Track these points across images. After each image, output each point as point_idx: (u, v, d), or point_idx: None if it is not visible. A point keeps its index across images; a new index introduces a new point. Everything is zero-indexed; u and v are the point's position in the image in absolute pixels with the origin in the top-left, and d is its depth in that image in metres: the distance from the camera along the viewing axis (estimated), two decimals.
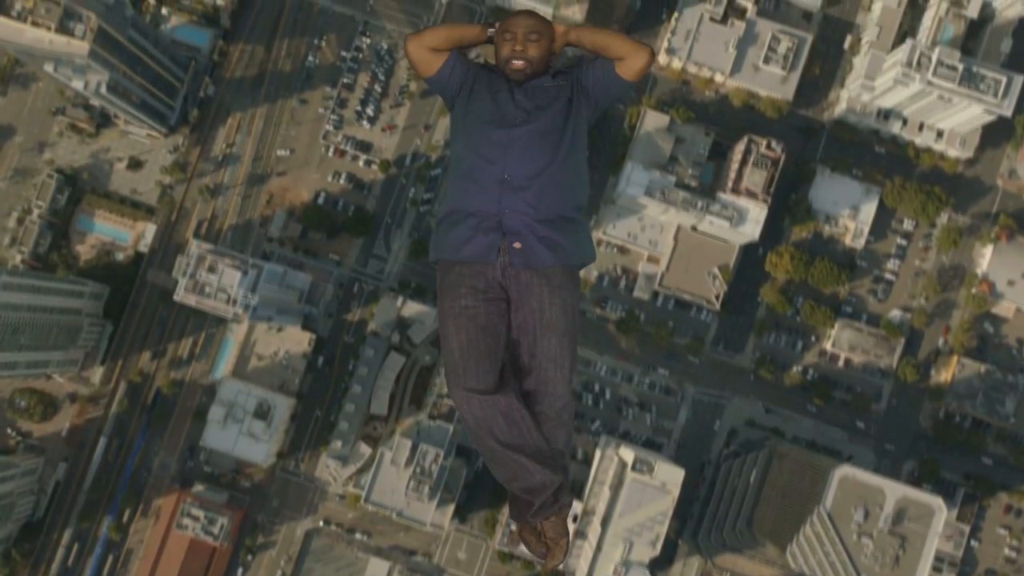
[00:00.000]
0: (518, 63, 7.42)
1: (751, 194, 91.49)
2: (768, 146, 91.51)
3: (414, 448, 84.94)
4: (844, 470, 78.30)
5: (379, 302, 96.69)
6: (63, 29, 74.95)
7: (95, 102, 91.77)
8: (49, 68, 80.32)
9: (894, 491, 76.56)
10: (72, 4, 74.84)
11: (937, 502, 76.92)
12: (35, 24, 74.85)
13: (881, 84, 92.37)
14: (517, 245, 6.99)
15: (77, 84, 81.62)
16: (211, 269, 76.21)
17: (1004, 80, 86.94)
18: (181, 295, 78.14)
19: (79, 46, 75.60)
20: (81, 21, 75.09)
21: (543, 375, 6.99)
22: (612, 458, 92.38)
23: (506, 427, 6.86)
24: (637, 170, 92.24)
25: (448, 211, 7.35)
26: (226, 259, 75.83)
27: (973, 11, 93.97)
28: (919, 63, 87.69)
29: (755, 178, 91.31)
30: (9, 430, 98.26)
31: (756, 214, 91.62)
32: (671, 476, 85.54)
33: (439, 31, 7.44)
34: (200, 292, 76.53)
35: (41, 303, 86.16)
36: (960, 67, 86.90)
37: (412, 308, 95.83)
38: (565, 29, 7.56)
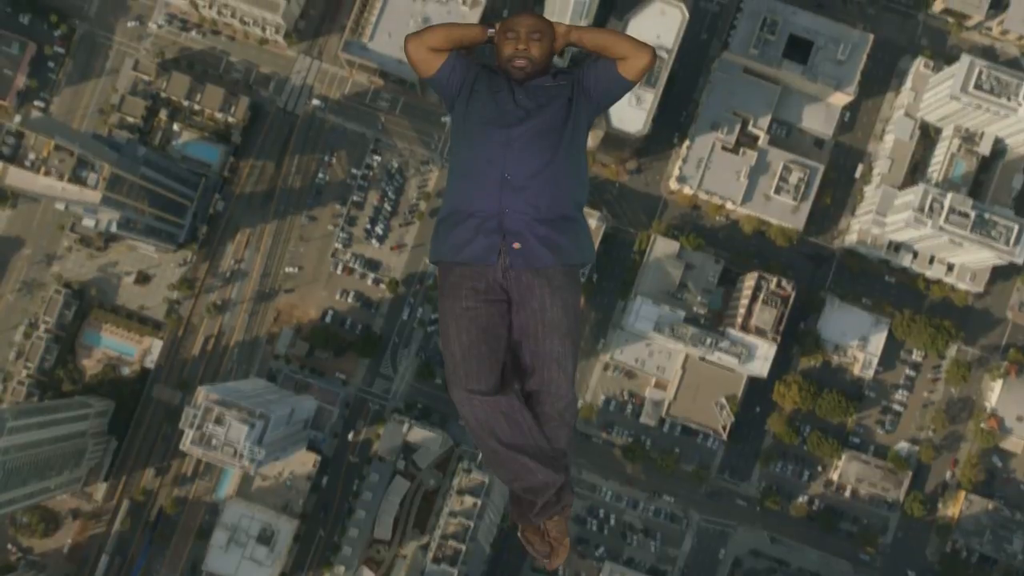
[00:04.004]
0: (520, 62, 7.37)
1: (760, 332, 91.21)
2: (778, 284, 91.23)
3: None
4: None
5: (385, 426, 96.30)
6: (76, 179, 74.72)
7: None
8: (60, 206, 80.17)
9: None
10: (85, 154, 74.62)
11: None
12: (47, 174, 74.73)
13: (892, 222, 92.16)
14: (517, 245, 6.94)
15: (88, 222, 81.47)
16: (218, 421, 75.85)
17: (1016, 228, 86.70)
18: (187, 447, 77.85)
19: (92, 195, 75.40)
20: (94, 170, 74.86)
21: (546, 375, 6.97)
22: None
23: (507, 427, 6.87)
24: (646, 304, 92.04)
25: (448, 211, 7.26)
26: (233, 411, 75.44)
27: (985, 148, 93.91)
28: (931, 208, 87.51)
29: (765, 316, 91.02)
30: (10, 546, 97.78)
31: (765, 351, 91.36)
32: None
33: (439, 31, 7.36)
34: (206, 445, 76.20)
35: (46, 436, 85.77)
36: (972, 214, 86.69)
37: (418, 434, 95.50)
38: (567, 29, 7.52)
